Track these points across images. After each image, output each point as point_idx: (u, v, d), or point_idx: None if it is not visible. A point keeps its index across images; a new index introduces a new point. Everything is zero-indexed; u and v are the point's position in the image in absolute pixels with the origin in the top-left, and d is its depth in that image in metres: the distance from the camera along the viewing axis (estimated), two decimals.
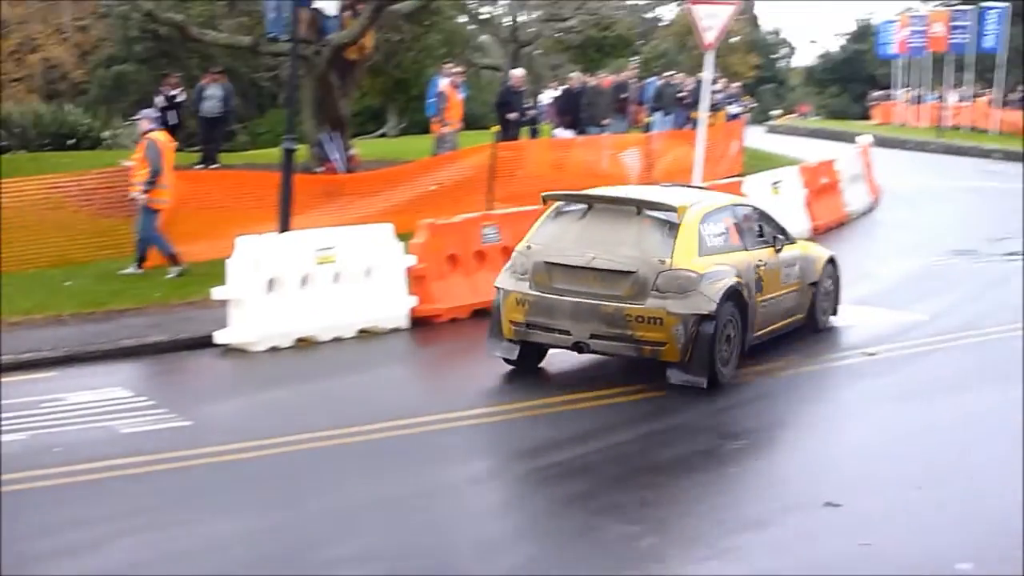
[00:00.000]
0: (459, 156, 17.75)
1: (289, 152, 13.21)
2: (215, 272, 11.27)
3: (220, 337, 10.82)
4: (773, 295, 10.52)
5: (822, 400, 9.59)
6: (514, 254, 10.15)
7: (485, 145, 17.12)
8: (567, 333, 9.63)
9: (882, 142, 33.31)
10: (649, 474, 7.63)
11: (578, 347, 9.68)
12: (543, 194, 10.61)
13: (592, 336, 9.52)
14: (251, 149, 27.72)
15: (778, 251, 10.74)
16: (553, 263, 9.73)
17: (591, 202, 10.18)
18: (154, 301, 12.17)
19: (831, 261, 11.87)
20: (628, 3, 47.68)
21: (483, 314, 12.19)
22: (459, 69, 21.48)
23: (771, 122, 57.95)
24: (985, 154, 35.78)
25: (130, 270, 13.29)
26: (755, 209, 11.18)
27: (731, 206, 10.68)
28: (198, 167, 18.68)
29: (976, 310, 12.73)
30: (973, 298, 13.50)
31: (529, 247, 9.98)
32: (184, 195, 14.03)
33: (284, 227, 12.78)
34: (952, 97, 46.05)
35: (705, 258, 9.62)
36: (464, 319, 12.15)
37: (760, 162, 24.54)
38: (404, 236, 12.20)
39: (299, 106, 17.29)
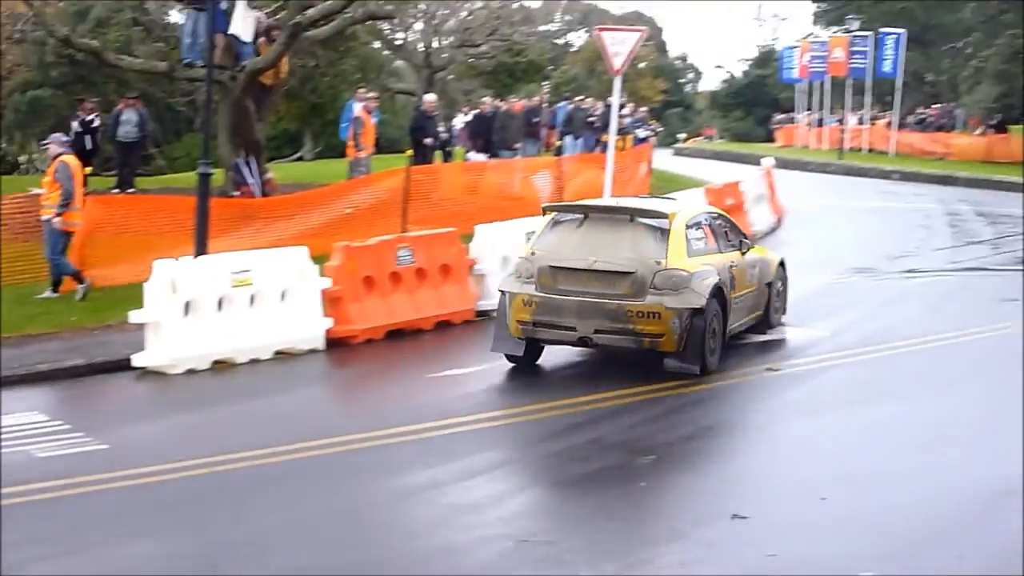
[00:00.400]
0: (374, 179, 17.90)
1: (205, 176, 13.26)
2: (132, 296, 11.26)
3: (137, 360, 10.83)
4: (741, 293, 11.61)
5: (729, 416, 9.79)
6: (518, 260, 11.13)
7: (399, 169, 17.29)
8: (573, 329, 10.54)
9: (785, 164, 34.17)
10: (560, 490, 7.79)
11: (583, 342, 10.63)
12: (543, 205, 12.08)
13: (596, 331, 10.46)
14: (167, 173, 27.62)
15: (743, 254, 11.90)
16: (557, 267, 10.72)
17: (587, 212, 11.22)
18: (70, 325, 12.13)
19: (782, 264, 13.13)
20: (539, 29, 48.25)
21: (398, 335, 12.46)
22: (373, 94, 21.64)
23: (678, 145, 58.86)
24: (884, 175, 36.82)
25: (46, 294, 13.22)
26: (723, 216, 12.44)
27: (705, 213, 11.93)
28: (114, 192, 18.65)
29: (875, 326, 13.10)
30: (872, 315, 13.89)
31: (533, 253, 10.94)
32: (101, 220, 14.00)
33: (201, 251, 12.82)
34: (852, 120, 47.31)
35: (692, 259, 10.76)
36: (379, 340, 12.29)
37: (667, 184, 25.01)
38: (320, 259, 12.32)
39: (215, 131, 17.32)
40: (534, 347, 11.04)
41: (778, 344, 12.05)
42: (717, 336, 10.75)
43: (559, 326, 10.61)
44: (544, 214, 11.57)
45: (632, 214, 11.09)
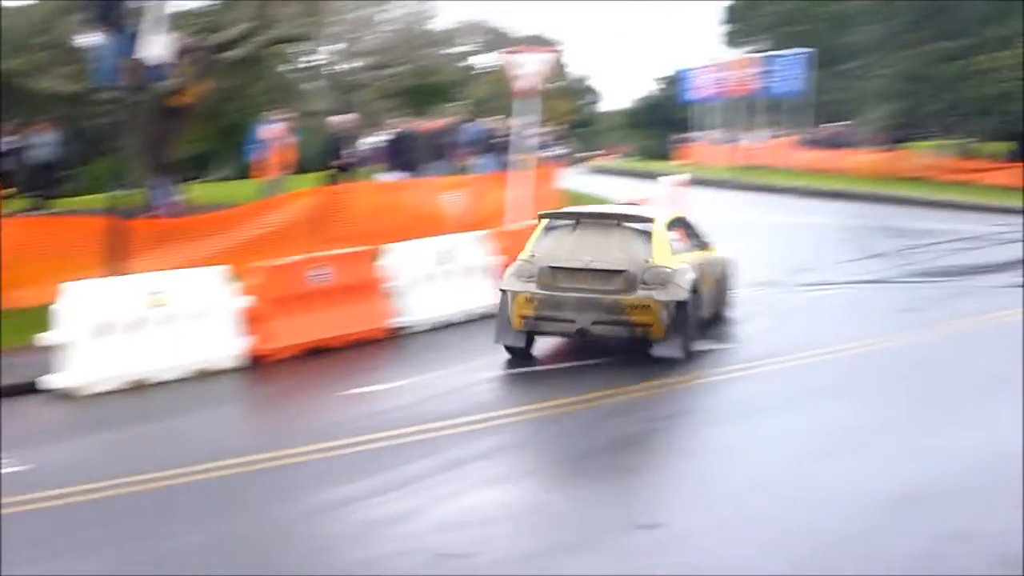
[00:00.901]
0: (290, 199, 17.96)
1: (118, 198, 13.28)
2: (46, 317, 11.18)
3: (51, 382, 10.81)
4: (707, 287, 13.14)
5: (639, 427, 9.88)
6: (518, 262, 12.45)
7: (314, 188, 17.40)
8: (572, 322, 11.98)
9: (691, 181, 34.74)
10: (476, 503, 7.88)
11: (581, 333, 12.02)
12: (539, 212, 13.66)
13: (594, 323, 11.90)
14: (82, 195, 27.29)
15: (704, 252, 13.56)
16: (556, 267, 12.11)
17: (579, 219, 12.68)
18: None
19: (730, 262, 14.82)
20: (449, 51, 48.58)
21: (314, 353, 12.55)
22: (285, 115, 21.71)
23: (586, 164, 59.53)
24: (786, 191, 37.70)
25: None
26: (687, 220, 14.07)
27: (676, 218, 13.61)
28: (29, 213, 18.45)
29: (779, 338, 13.44)
30: (777, 327, 14.27)
31: (533, 256, 12.33)
32: (15, 242, 13.87)
33: (115, 271, 12.82)
34: (756, 138, 48.40)
35: (673, 257, 12.29)
36: (296, 358, 12.38)
37: (577, 202, 25.28)
38: (237, 278, 12.40)
39: (128, 153, 17.30)
40: (531, 339, 12.44)
41: (686, 357, 12.33)
42: (695, 325, 12.31)
43: (560, 319, 12.02)
44: (539, 219, 13.00)
45: (620, 219, 12.59)
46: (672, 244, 12.53)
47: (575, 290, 11.97)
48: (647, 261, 11.98)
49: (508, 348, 12.40)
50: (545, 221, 12.90)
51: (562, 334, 12.39)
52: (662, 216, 13.04)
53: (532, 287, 12.12)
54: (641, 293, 11.83)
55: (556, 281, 12.07)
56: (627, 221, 12.58)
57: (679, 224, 13.44)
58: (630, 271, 11.91)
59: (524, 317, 12.14)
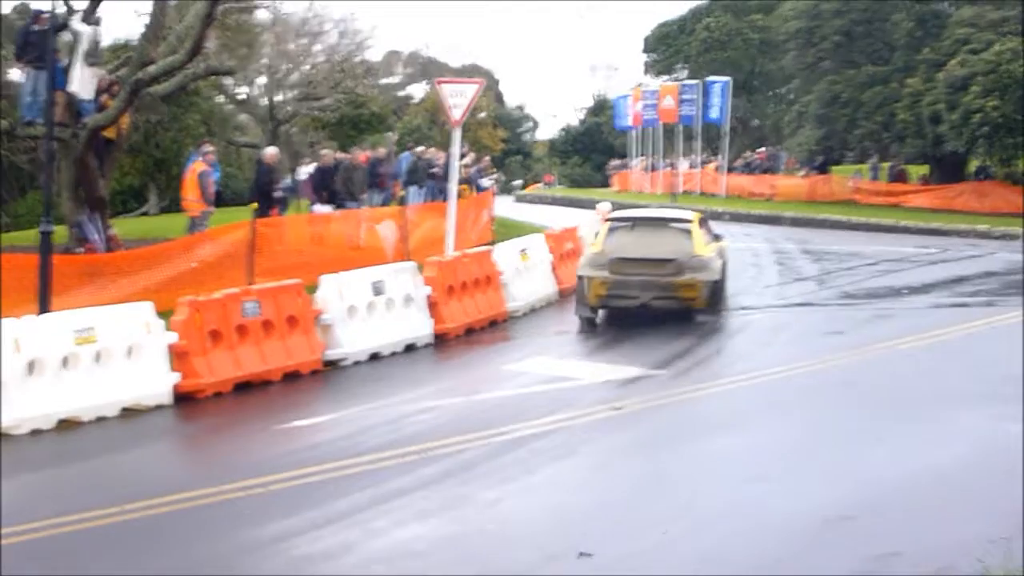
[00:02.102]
0: (219, 233, 17.85)
1: (46, 235, 13.15)
2: None
3: None
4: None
5: (575, 454, 9.96)
6: (592, 254, 16.28)
7: (244, 221, 17.32)
8: (636, 298, 15.68)
9: (621, 207, 35.07)
10: (414, 534, 7.89)
11: (643, 306, 15.70)
12: (607, 216, 18.16)
13: (653, 299, 15.62)
14: (11, 231, 26.93)
15: (718, 243, 17.13)
16: (622, 258, 15.81)
17: (636, 221, 16.88)
18: None
19: (728, 250, 18.55)
20: (381, 82, 48.67)
21: (246, 387, 12.48)
22: (211, 148, 21.62)
23: (518, 192, 59.80)
24: (715, 216, 38.05)
25: None
26: (707, 219, 18.20)
27: (701, 218, 17.36)
28: None
29: (710, 363, 13.69)
30: (709, 351, 14.51)
31: (603, 250, 16.07)
32: None
33: (44, 309, 12.66)
34: (684, 164, 48.98)
35: (706, 248, 16.17)
36: (227, 393, 12.29)
37: (509, 230, 25.50)
38: (166, 313, 12.28)
39: (57, 188, 17.13)
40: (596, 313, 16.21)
41: (618, 383, 12.46)
42: (723, 297, 16.79)
43: (626, 297, 15.77)
44: (604, 222, 17.15)
45: (667, 220, 16.95)
46: (703, 238, 16.41)
47: (637, 275, 15.69)
48: (690, 251, 15.73)
49: (583, 319, 16.14)
50: (609, 223, 16.82)
51: (627, 308, 15.89)
52: (694, 216, 17.15)
53: (604, 273, 15.80)
54: (687, 276, 15.65)
55: (622, 268, 15.77)
56: (672, 222, 16.84)
57: (703, 223, 17.24)
58: (678, 259, 15.70)
59: (599, 296, 15.88)
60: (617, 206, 30.05)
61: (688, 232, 16.24)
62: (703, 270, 15.80)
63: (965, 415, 10.77)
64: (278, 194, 20.71)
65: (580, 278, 16.20)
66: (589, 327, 16.10)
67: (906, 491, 8.51)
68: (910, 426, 10.47)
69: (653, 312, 15.75)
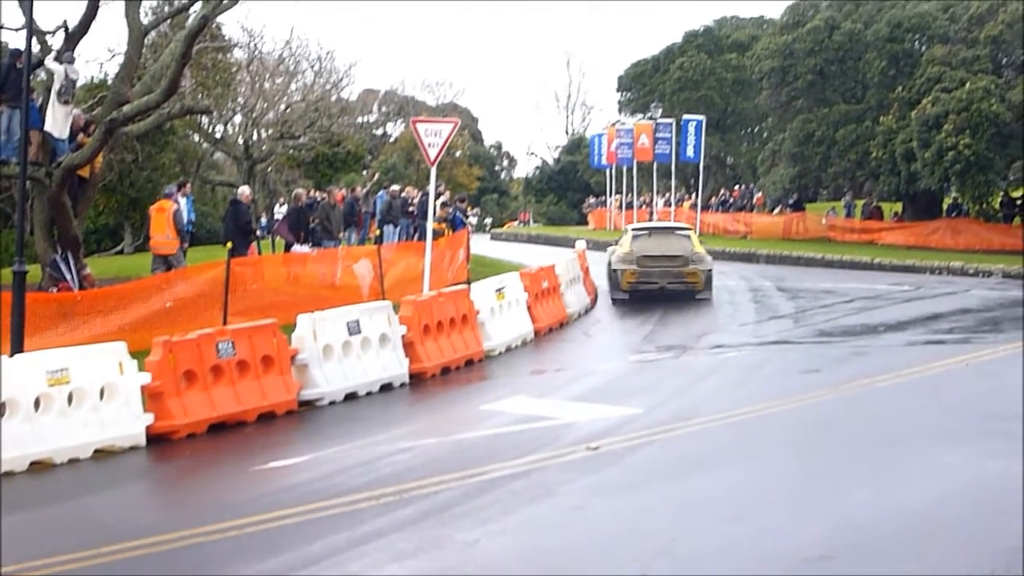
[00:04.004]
0: (194, 272, 17.80)
1: (20, 275, 13.07)
2: None
3: None
4: None
5: (553, 494, 9.85)
6: (622, 253, 24.23)
7: (219, 261, 17.26)
8: (656, 284, 23.71)
9: (597, 245, 35.22)
10: (389, 570, 7.83)
11: (661, 288, 23.57)
12: (629, 226, 27.19)
13: (669, 283, 23.65)
14: None
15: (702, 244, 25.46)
16: (646, 255, 23.89)
17: (651, 231, 25.30)
18: None
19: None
20: (357, 121, 48.77)
21: (221, 428, 12.39)
22: (180, 186, 21.62)
23: (495, 230, 59.91)
24: None
25: None
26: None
27: (691, 227, 27.49)
28: None
29: (686, 402, 13.57)
30: (683, 391, 14.40)
31: (631, 251, 23.99)
32: None
33: (16, 349, 12.56)
34: (659, 202, 49.22)
35: (700, 247, 24.38)
36: (202, 434, 12.19)
37: (485, 268, 25.53)
38: (141, 353, 12.19)
39: (31, 227, 17.04)
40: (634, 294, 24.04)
41: (594, 422, 12.39)
42: (711, 281, 24.37)
43: (649, 282, 23.83)
44: (627, 232, 25.62)
45: (673, 230, 26.02)
46: (697, 240, 24.76)
47: (657, 267, 23.76)
48: (691, 250, 23.99)
49: (616, 301, 24.01)
50: (632, 232, 25.15)
51: (649, 290, 23.69)
52: (689, 227, 27.92)
53: (633, 266, 23.91)
54: (691, 267, 23.81)
55: (645, 263, 23.86)
56: (677, 230, 26.01)
57: (692, 230, 26.81)
58: (685, 255, 23.90)
59: (629, 282, 23.93)
60: (593, 244, 30.73)
61: (689, 237, 24.83)
62: (701, 262, 23.98)
63: (944, 453, 10.75)
64: (253, 232, 20.69)
65: (614, 271, 24.20)
66: (623, 303, 23.76)
67: (886, 530, 8.47)
68: (889, 464, 10.45)
69: (669, 293, 23.66)
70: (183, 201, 19.65)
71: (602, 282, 26.12)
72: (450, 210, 26.82)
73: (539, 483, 10.09)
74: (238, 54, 35.77)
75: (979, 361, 15.83)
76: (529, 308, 19.25)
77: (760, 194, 51.30)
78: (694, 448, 11.45)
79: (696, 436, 11.91)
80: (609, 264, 24.96)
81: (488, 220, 66.55)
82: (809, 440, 11.64)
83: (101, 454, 11.39)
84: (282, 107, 39.35)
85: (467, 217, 31.44)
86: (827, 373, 15.39)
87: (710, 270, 23.99)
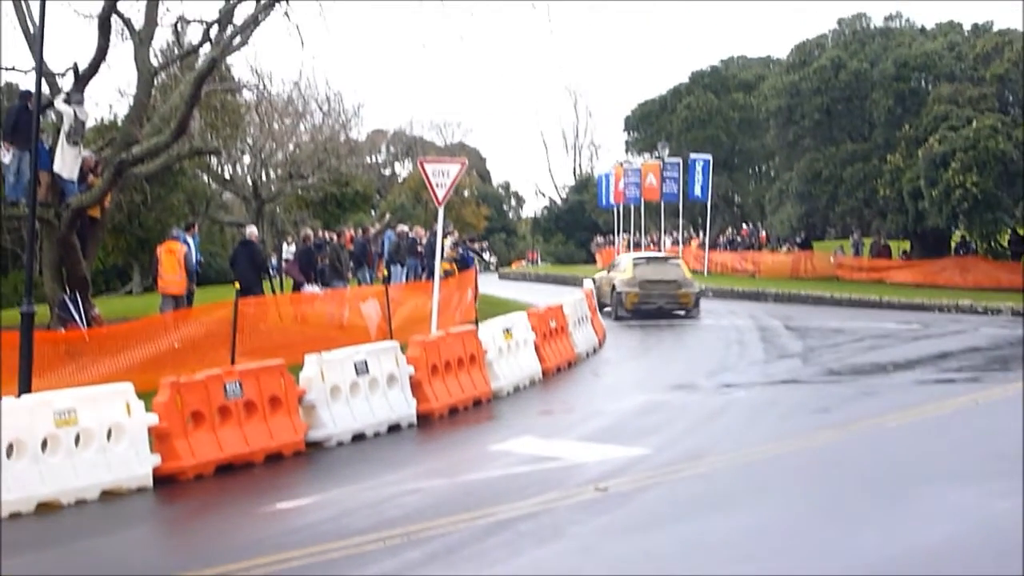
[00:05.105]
0: (202, 312, 17.82)
1: (28, 316, 13.09)
2: None
3: None
4: None
5: (561, 536, 9.78)
6: (626, 278, 29.26)
7: (226, 301, 17.26)
8: (655, 304, 28.58)
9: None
10: None
11: (659, 308, 28.52)
12: (628, 255, 34.07)
13: (665, 303, 28.55)
14: None
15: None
16: (647, 280, 28.98)
17: (649, 260, 31.00)
18: None
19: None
20: (365, 161, 48.96)
21: (228, 469, 12.34)
22: (188, 226, 21.68)
23: (503, 269, 59.91)
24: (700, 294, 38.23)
25: None
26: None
27: (680, 257, 35.65)
28: None
29: (695, 442, 13.48)
30: (692, 430, 14.29)
31: (633, 276, 29.03)
32: None
33: (24, 390, 12.56)
34: (667, 241, 49.20)
35: (690, 274, 31.05)
36: (209, 476, 12.15)
37: (493, 308, 25.50)
38: (148, 394, 12.18)
39: (40, 268, 17.08)
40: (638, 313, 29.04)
41: (603, 463, 12.33)
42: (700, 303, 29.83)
43: (649, 303, 28.41)
44: (631, 260, 30.38)
45: (667, 258, 31.82)
46: (686, 267, 30.01)
47: (656, 290, 28.77)
48: (683, 276, 29.56)
49: (619, 318, 28.15)
50: (633, 259, 30.46)
51: (649, 309, 28.43)
52: (679, 257, 34.87)
53: (636, 289, 28.78)
54: (684, 289, 29.03)
55: (646, 286, 28.77)
56: (671, 259, 31.82)
57: (681, 259, 33.22)
58: (678, 280, 29.22)
59: (632, 303, 28.65)
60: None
61: (679, 265, 31.08)
62: (692, 286, 29.83)
63: (954, 493, 10.65)
64: (263, 272, 20.72)
65: (619, 293, 28.95)
66: (625, 321, 27.75)
67: (896, 571, 8.41)
68: (898, 505, 10.36)
69: (665, 312, 28.54)
70: (191, 241, 19.70)
71: (610, 322, 26.11)
72: (460, 250, 26.88)
73: (548, 524, 10.01)
74: (247, 95, 35.98)
75: (989, 400, 15.75)
76: (537, 348, 19.20)
77: (763, 233, 51.33)
78: (703, 489, 11.35)
79: (705, 477, 11.81)
80: (613, 288, 29.74)
81: (493, 259, 66.55)
82: (818, 481, 11.55)
83: (108, 495, 11.35)
84: (291, 147, 39.53)
85: (482, 255, 32.18)
86: (836, 412, 15.29)
87: (698, 292, 30.04)
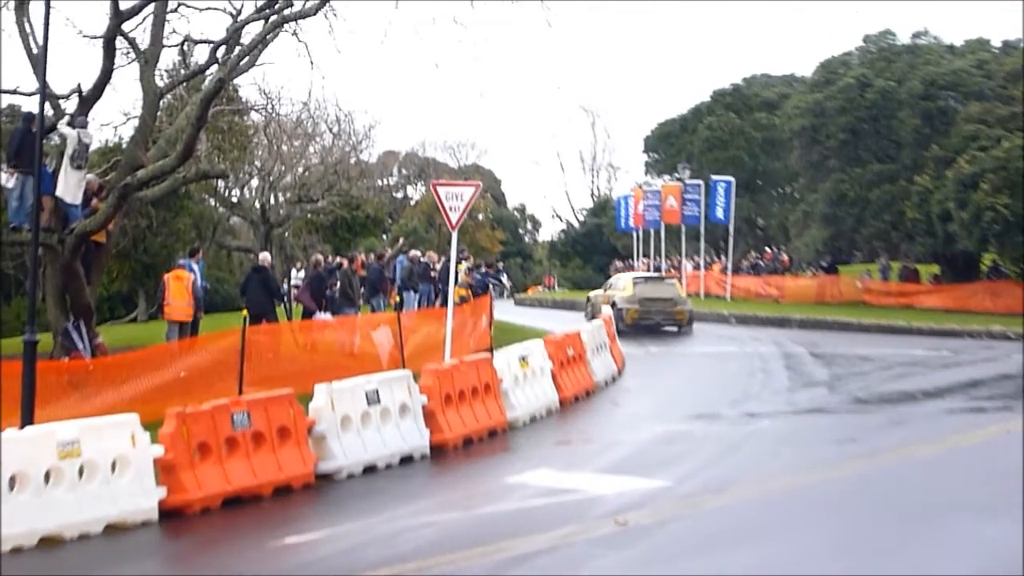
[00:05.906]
0: (209, 341, 17.58)
1: (31, 344, 12.86)
2: None
3: None
4: None
5: (580, 571, 9.53)
6: (626, 296, 32.18)
7: (234, 329, 16.99)
8: (653, 319, 31.84)
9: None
10: None
11: (656, 324, 31.81)
12: (627, 274, 37.05)
13: (662, 319, 32.00)
14: None
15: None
16: (646, 297, 32.08)
17: (648, 279, 34.27)
18: None
19: None
20: (377, 183, 48.76)
21: (236, 502, 12.06)
22: (189, 256, 21.50)
23: (518, 295, 59.58)
24: (721, 319, 37.87)
25: None
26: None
27: (676, 277, 39.74)
28: None
29: (716, 473, 13.19)
30: (713, 461, 13.95)
31: (633, 294, 32.05)
32: None
33: (27, 421, 12.31)
34: (688, 266, 48.79)
35: (684, 293, 35.51)
36: (216, 509, 11.87)
37: (509, 335, 25.18)
38: (154, 424, 11.92)
39: (43, 295, 16.85)
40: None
41: (622, 495, 11.98)
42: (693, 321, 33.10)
43: (648, 318, 31.55)
44: (632, 280, 33.41)
45: (664, 278, 35.57)
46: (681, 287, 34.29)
47: (654, 307, 31.57)
48: (679, 294, 32.84)
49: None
50: (633, 279, 33.08)
51: (647, 324, 31.01)
52: (675, 277, 38.84)
53: (636, 306, 31.52)
54: (679, 307, 32.18)
55: (645, 303, 31.52)
56: (667, 279, 35.13)
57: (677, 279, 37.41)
58: (674, 298, 32.25)
59: (633, 319, 31.12)
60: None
61: (675, 285, 34.09)
62: (686, 304, 33.09)
63: (987, 526, 10.44)
64: (272, 298, 20.51)
65: (620, 309, 31.02)
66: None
67: None
68: (926, 537, 10.16)
69: (661, 327, 31.56)
70: (196, 268, 19.51)
71: (629, 349, 25.81)
72: (476, 276, 26.59)
73: (566, 559, 9.80)
74: (255, 116, 35.68)
75: (1021, 429, 15.34)
76: (554, 376, 18.84)
77: (784, 256, 50.86)
78: (725, 522, 11.11)
79: (727, 509, 11.57)
80: (614, 304, 31.94)
81: (519, 283, 66.32)
82: (845, 513, 11.25)
83: (112, 529, 11.08)
84: (300, 170, 39.30)
85: (502, 280, 32.22)
86: (863, 443, 14.99)
87: (691, 310, 32.98)
